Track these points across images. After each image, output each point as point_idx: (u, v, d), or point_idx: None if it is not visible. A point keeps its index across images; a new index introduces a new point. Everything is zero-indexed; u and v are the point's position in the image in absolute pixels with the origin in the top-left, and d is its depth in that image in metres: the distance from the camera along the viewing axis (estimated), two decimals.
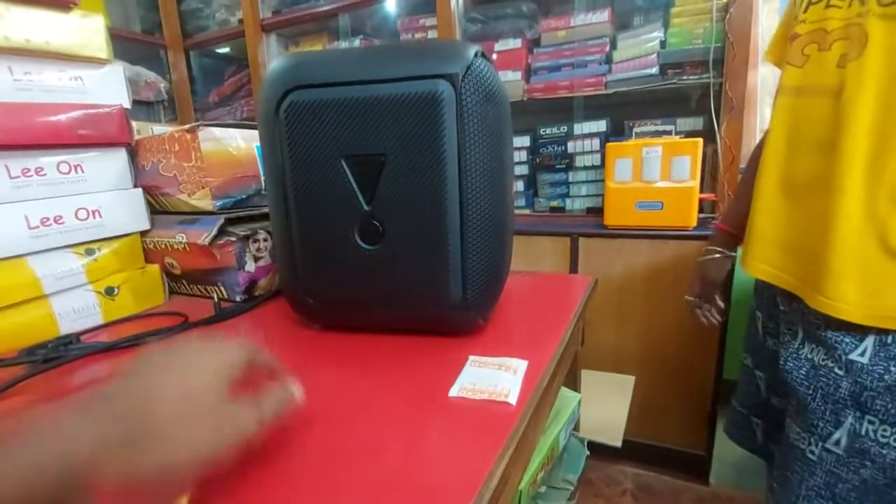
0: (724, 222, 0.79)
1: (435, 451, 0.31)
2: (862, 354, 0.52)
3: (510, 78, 1.35)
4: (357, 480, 0.28)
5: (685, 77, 1.17)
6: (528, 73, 1.37)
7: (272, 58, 1.72)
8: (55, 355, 0.48)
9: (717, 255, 0.78)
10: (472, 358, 0.43)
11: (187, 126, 0.60)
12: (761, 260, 0.63)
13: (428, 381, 0.40)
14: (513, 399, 0.36)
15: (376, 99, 0.42)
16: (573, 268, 1.25)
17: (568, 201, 1.37)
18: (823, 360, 0.56)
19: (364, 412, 0.36)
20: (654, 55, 1.20)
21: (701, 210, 1.16)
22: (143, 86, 1.11)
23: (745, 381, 0.75)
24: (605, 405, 1.08)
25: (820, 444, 0.55)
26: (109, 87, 0.62)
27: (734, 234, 0.76)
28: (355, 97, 0.42)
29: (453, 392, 0.37)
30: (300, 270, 0.49)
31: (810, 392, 0.56)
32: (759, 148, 0.67)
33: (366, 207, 0.44)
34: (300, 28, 1.70)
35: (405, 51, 0.44)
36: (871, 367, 0.52)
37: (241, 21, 1.69)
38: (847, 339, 0.53)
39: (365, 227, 0.45)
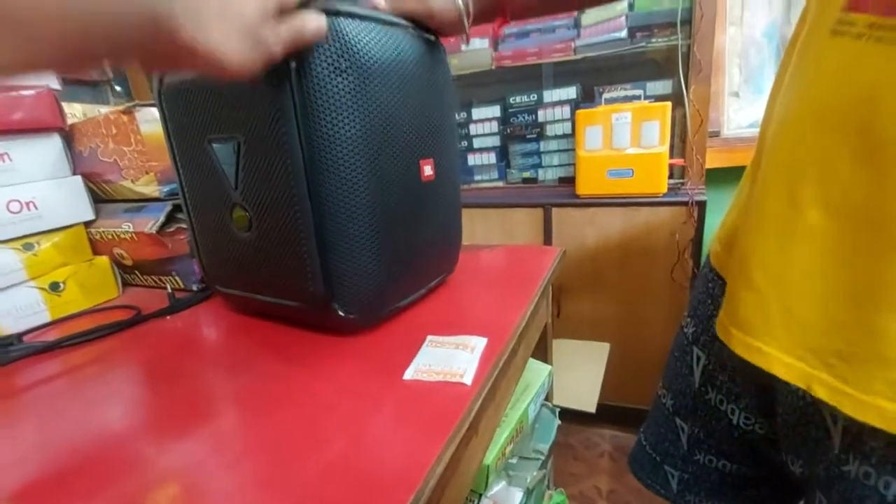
0: None
1: (384, 437, 0.30)
2: None
3: (478, 46, 1.31)
4: (302, 470, 0.27)
5: (654, 40, 1.15)
6: (496, 41, 1.32)
7: None
8: None
9: None
10: (429, 338, 0.42)
11: (122, 107, 0.56)
12: (787, 349, 0.34)
13: (382, 364, 0.39)
14: (468, 379, 0.35)
15: None
16: (547, 239, 1.25)
17: (541, 171, 1.36)
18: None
19: (312, 398, 0.35)
20: (623, 18, 1.17)
21: (671, 176, 1.16)
22: None
23: (659, 422, 0.56)
24: (579, 372, 1.09)
25: None
26: None
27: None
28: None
29: (408, 375, 0.36)
30: (202, 257, 0.50)
31: None
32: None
33: (234, 194, 0.43)
34: None
35: None
36: None
37: None
38: None
39: (237, 214, 0.44)
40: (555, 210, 1.22)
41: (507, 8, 0.46)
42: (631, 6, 1.18)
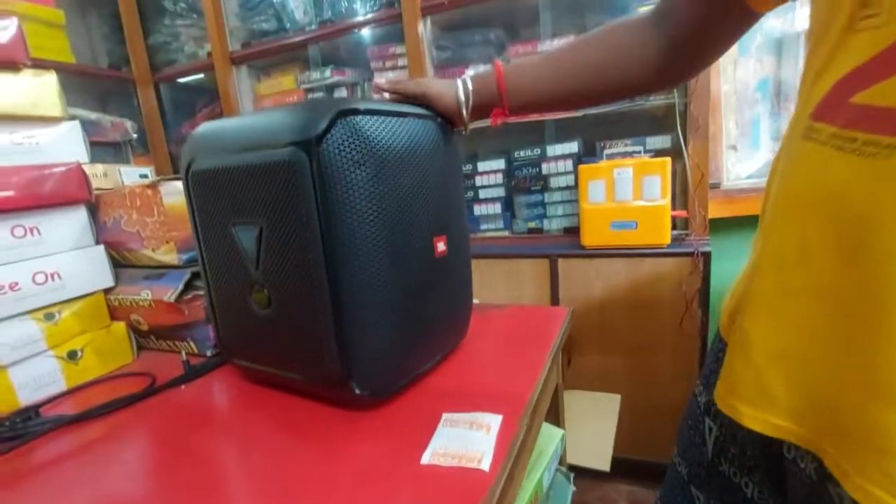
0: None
1: None
2: None
3: None
4: None
5: (651, 98, 1.20)
6: None
7: (244, 90, 1.71)
8: (12, 434, 0.46)
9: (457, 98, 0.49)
10: (444, 416, 0.42)
11: (148, 181, 0.59)
12: (766, 406, 0.35)
13: (398, 443, 0.39)
14: (486, 464, 0.35)
15: (246, 168, 0.41)
16: (554, 289, 1.26)
17: (546, 222, 1.38)
18: None
19: (327, 483, 0.35)
20: None
21: (674, 227, 1.17)
22: (109, 127, 1.09)
23: (675, 490, 0.53)
24: (591, 427, 1.07)
25: None
26: (65, 143, 0.61)
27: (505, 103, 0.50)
28: (229, 166, 0.42)
29: (425, 459, 0.36)
30: (220, 329, 0.52)
31: None
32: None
33: (255, 274, 0.45)
34: (271, 59, 1.69)
35: (277, 114, 0.42)
36: None
37: (209, 54, 1.68)
38: None
39: (257, 293, 0.45)
40: (561, 261, 1.23)
41: (505, 106, 0.50)
42: None
